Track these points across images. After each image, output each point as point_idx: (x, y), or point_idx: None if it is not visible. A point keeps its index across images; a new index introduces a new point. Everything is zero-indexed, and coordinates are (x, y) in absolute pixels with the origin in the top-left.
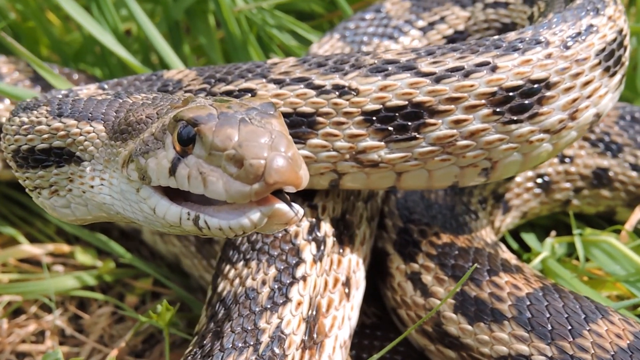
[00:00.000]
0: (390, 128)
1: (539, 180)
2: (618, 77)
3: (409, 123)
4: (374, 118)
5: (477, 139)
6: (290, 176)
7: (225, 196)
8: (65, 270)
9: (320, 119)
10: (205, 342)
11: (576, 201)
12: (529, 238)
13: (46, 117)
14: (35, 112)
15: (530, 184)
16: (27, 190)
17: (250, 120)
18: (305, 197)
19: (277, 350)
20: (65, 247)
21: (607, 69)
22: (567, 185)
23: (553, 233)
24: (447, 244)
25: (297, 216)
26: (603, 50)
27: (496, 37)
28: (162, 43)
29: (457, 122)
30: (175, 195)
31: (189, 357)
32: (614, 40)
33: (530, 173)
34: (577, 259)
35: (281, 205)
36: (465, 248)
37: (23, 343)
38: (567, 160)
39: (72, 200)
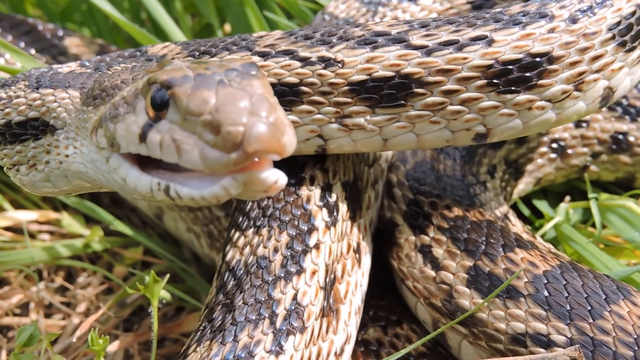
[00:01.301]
0: (377, 97)
1: (554, 145)
2: (637, 52)
3: (397, 92)
4: (360, 88)
5: (469, 106)
6: (272, 144)
7: (201, 166)
8: (52, 239)
9: (305, 88)
10: (214, 315)
11: (594, 167)
12: (542, 204)
13: (24, 91)
14: (13, 87)
15: (544, 149)
16: (5, 169)
17: (229, 82)
18: (317, 161)
19: (295, 323)
20: (51, 215)
21: (622, 44)
22: (584, 150)
23: (567, 198)
24: (459, 217)
25: (278, 183)
26: (618, 24)
27: (498, 9)
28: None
29: (448, 92)
30: (149, 162)
31: (198, 333)
32: (633, 13)
33: (544, 137)
34: (593, 226)
35: (257, 173)
36: (477, 222)
37: (6, 316)
38: (583, 124)
39: (50, 174)
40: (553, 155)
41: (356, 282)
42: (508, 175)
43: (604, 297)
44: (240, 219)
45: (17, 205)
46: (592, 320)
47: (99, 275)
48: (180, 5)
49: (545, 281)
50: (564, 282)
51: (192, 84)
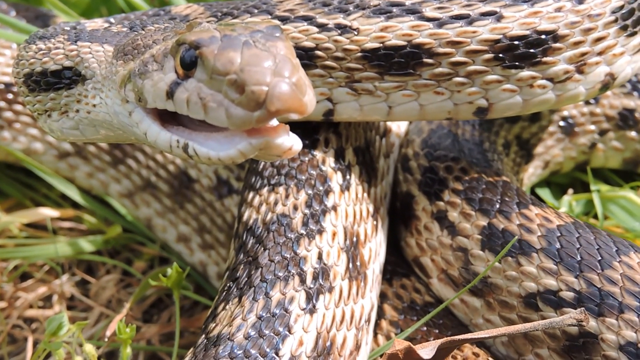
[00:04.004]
0: (387, 64)
1: (562, 124)
2: (638, 38)
3: (406, 61)
4: (372, 55)
5: (475, 78)
6: (293, 103)
7: (227, 123)
8: (72, 235)
9: (320, 53)
10: (238, 274)
11: (602, 145)
12: (546, 197)
13: (63, 43)
14: (52, 39)
15: (553, 128)
16: (35, 114)
17: (254, 43)
18: (330, 124)
19: (323, 282)
20: (71, 212)
21: (624, 28)
22: (592, 127)
23: (570, 191)
24: (474, 179)
25: (293, 149)
26: (621, 7)
27: None
28: None
29: (456, 64)
30: (169, 117)
31: (224, 293)
32: None
33: (554, 116)
34: (596, 217)
35: (273, 138)
36: (493, 182)
37: (30, 308)
38: (592, 101)
39: (80, 122)
40: (561, 136)
41: (376, 250)
42: (520, 158)
43: (615, 249)
44: (254, 179)
45: (37, 203)
46: (601, 271)
47: (118, 270)
48: None
49: (559, 234)
50: (577, 235)
51: (219, 45)
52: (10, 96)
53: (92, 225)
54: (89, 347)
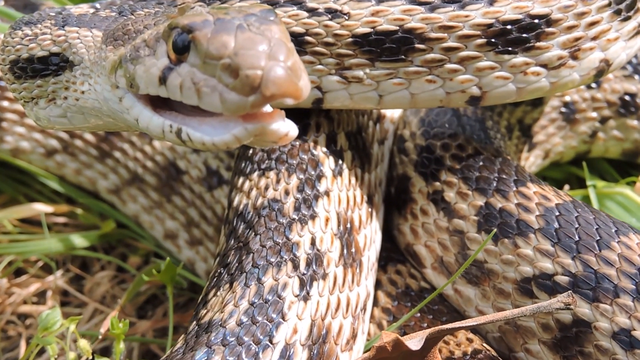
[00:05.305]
0: (378, 50)
1: (564, 109)
2: (632, 23)
3: (398, 47)
4: (363, 41)
5: (467, 65)
6: (288, 88)
7: (221, 108)
8: (66, 231)
9: (310, 39)
10: (228, 260)
11: (602, 134)
12: None
13: (50, 29)
14: (39, 25)
15: (554, 115)
16: (22, 102)
17: (248, 26)
18: (321, 109)
19: (316, 269)
20: (65, 207)
21: (617, 12)
22: (593, 114)
23: (566, 187)
24: (471, 155)
25: (289, 135)
26: None
27: None
28: None
29: (448, 49)
30: (161, 103)
31: (214, 279)
32: None
33: (555, 102)
34: None
35: (269, 124)
36: (491, 158)
37: (24, 304)
38: (593, 85)
39: (68, 109)
40: (562, 123)
41: (371, 237)
42: (522, 145)
43: (614, 229)
44: (243, 164)
45: (31, 199)
46: (598, 251)
47: (113, 266)
48: None
49: (557, 213)
50: (576, 214)
51: (212, 28)
52: None
53: (87, 220)
54: (83, 342)
